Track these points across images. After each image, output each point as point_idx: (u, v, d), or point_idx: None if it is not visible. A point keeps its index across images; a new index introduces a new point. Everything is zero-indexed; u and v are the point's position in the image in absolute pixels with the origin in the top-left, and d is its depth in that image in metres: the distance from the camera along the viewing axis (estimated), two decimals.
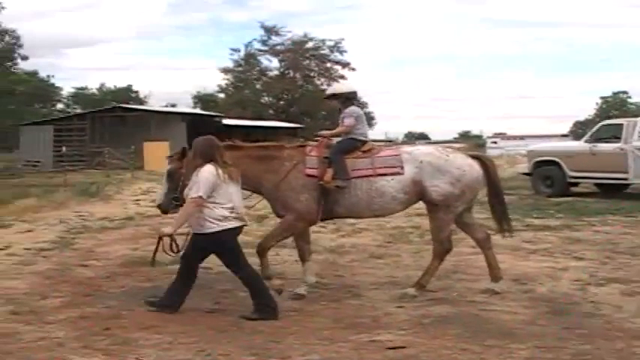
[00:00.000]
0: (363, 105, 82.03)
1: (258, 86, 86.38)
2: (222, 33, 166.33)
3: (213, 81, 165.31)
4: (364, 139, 9.33)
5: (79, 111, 73.57)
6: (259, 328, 7.47)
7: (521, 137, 70.24)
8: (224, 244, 8.01)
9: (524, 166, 25.48)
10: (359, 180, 8.88)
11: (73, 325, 7.67)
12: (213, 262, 11.09)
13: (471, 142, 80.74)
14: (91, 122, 52.88)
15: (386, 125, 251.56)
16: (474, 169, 8.94)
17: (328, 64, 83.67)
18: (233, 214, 7.96)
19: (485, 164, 9.21)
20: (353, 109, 9.48)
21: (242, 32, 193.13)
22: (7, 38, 56.14)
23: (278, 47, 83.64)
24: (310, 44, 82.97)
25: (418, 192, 8.83)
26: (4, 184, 28.63)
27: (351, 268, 10.82)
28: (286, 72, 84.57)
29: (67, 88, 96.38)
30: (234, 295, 8.98)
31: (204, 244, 8.04)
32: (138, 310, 8.27)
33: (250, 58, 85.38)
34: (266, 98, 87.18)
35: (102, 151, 42.75)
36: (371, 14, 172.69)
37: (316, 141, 9.48)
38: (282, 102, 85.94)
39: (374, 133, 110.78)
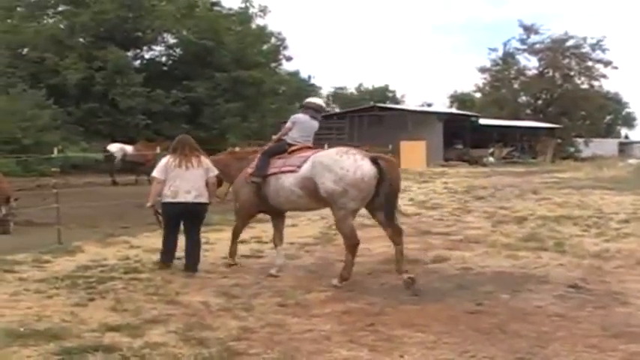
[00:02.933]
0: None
1: (515, 85, 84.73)
2: (480, 32, 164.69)
3: (469, 80, 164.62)
4: (292, 142, 10.84)
5: (337, 110, 75.52)
6: (523, 332, 7.31)
7: None
8: (164, 213, 10.86)
9: None
10: (271, 177, 10.55)
11: (337, 319, 7.86)
12: (473, 262, 11.12)
13: None
14: (349, 121, 54.20)
15: None
16: (360, 170, 9.62)
17: (589, 63, 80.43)
18: (169, 193, 10.62)
19: (380, 167, 9.73)
20: (293, 115, 11.31)
21: (500, 31, 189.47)
22: (272, 40, 58.52)
23: (537, 46, 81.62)
24: (570, 42, 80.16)
25: (313, 188, 9.95)
26: None
27: (618, 274, 10.33)
28: (545, 71, 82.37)
29: (326, 88, 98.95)
30: (496, 296, 8.87)
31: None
32: (400, 307, 8.37)
33: (508, 57, 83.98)
34: (523, 98, 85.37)
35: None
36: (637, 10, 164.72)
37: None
38: (539, 102, 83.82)
39: (635, 134, 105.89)
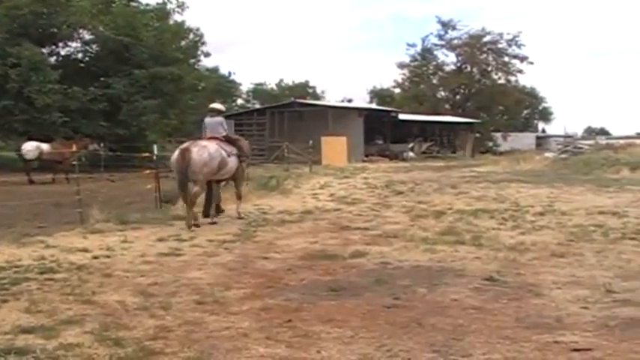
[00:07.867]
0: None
1: (434, 81, 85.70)
2: (401, 28, 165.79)
3: (389, 76, 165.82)
4: (208, 135, 16.30)
5: (258, 106, 75.32)
6: (439, 325, 7.39)
7: None
8: None
9: None
10: None
11: (255, 316, 7.82)
12: (391, 256, 11.22)
13: None
14: (270, 117, 54.18)
15: (565, 120, 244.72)
16: (173, 156, 15.24)
17: (506, 59, 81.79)
18: None
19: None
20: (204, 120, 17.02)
21: (421, 27, 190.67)
22: (191, 36, 57.96)
23: (455, 42, 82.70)
24: (487, 38, 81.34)
25: None
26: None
27: (532, 266, 10.50)
28: (463, 66, 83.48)
29: (246, 84, 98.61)
30: (414, 290, 8.92)
31: None
32: (319, 303, 8.36)
33: (427, 53, 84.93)
34: (442, 93, 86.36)
35: (280, 145, 43.46)
36: (552, 7, 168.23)
37: None
38: (458, 97, 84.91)
39: (552, 128, 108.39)
